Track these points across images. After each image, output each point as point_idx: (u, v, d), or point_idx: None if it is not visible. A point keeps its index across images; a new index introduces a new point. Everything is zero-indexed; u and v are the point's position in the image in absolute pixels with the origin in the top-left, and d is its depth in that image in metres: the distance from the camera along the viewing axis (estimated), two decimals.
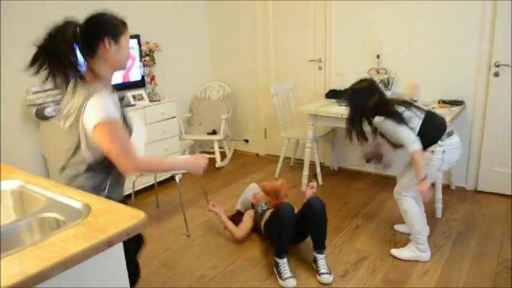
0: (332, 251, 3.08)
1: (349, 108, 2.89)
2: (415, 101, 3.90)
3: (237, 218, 3.42)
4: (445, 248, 3.04)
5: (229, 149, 5.19)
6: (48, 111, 3.53)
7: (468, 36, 3.72)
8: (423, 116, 2.74)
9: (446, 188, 3.92)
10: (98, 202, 1.49)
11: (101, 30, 1.70)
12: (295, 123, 4.63)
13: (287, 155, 4.61)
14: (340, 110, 3.78)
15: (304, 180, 4.13)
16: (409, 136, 2.66)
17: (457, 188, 4.05)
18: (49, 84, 3.15)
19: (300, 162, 4.70)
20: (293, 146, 4.69)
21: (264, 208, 3.25)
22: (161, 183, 4.23)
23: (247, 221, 3.30)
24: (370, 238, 3.23)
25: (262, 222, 3.14)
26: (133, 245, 2.04)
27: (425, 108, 2.87)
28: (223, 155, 5.01)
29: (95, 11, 1.76)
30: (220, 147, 4.94)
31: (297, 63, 4.72)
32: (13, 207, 1.79)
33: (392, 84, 4.07)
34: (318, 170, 4.29)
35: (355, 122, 2.84)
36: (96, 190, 1.80)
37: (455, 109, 3.60)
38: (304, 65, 4.66)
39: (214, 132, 4.76)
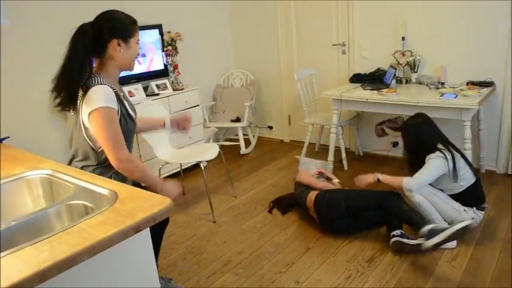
0: (358, 236, 3.05)
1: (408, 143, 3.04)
2: (443, 83, 3.81)
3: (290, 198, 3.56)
4: (475, 232, 2.96)
5: (253, 136, 5.19)
6: None
7: (497, 10, 3.57)
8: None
9: (476, 171, 3.82)
10: (124, 189, 1.51)
11: (110, 31, 1.79)
12: (319, 109, 4.59)
13: (312, 141, 4.58)
14: (365, 94, 3.74)
15: (330, 165, 4.10)
16: (425, 178, 2.80)
17: (487, 172, 3.95)
18: None
19: (325, 148, 4.65)
20: (318, 132, 4.66)
21: None
22: (186, 171, 4.27)
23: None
24: None
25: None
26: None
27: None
28: (247, 142, 5.02)
29: (106, 10, 1.84)
30: (244, 135, 4.95)
31: (320, 47, 4.66)
32: (43, 196, 1.84)
33: (418, 66, 3.97)
34: (344, 155, 4.25)
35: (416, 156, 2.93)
36: None
37: (485, 90, 3.49)
38: (328, 49, 4.60)
39: (238, 120, 4.76)
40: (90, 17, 1.89)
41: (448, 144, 2.88)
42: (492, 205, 3.32)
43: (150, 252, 1.40)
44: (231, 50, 5.38)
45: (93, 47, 1.80)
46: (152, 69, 4.19)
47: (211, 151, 3.49)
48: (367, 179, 2.99)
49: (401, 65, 4.04)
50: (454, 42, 3.85)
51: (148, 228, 1.34)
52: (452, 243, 2.80)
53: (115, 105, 1.79)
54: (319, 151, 4.78)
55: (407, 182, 2.80)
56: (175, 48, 4.31)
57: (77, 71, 1.75)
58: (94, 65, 1.87)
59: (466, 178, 2.84)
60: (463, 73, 3.83)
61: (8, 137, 3.16)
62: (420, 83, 3.97)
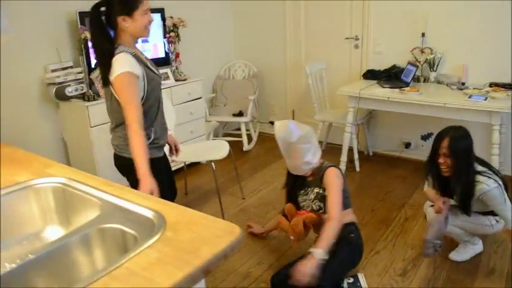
0: (385, 246, 2.83)
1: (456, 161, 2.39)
2: (463, 83, 3.61)
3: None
4: (503, 242, 2.78)
5: (254, 131, 4.90)
6: (69, 90, 3.24)
7: None
8: None
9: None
10: (170, 209, 1.21)
11: (114, 9, 1.90)
12: (328, 106, 4.33)
13: (318, 139, 4.32)
14: (386, 93, 3.51)
15: (342, 166, 3.86)
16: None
17: (505, 177, 3.77)
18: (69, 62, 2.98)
19: (331, 147, 4.44)
20: (325, 130, 4.40)
21: None
22: (188, 167, 3.96)
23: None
24: (423, 232, 2.96)
25: None
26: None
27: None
28: (249, 138, 4.73)
29: None
30: (245, 130, 4.66)
31: (331, 41, 4.39)
32: (55, 209, 1.52)
33: (438, 65, 3.76)
34: (356, 155, 4.01)
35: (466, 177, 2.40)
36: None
37: None
38: (339, 43, 4.33)
39: (240, 114, 4.45)
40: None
41: (482, 161, 2.49)
42: None
43: None
44: (232, 39, 5.05)
45: (108, 24, 1.93)
46: (154, 56, 3.82)
47: (222, 149, 3.20)
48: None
49: (419, 62, 3.81)
50: (477, 41, 3.64)
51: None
52: (479, 247, 2.67)
53: (134, 69, 1.88)
54: (326, 149, 4.53)
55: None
56: (177, 35, 3.97)
57: (105, 50, 1.91)
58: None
59: None
60: (485, 74, 3.62)
61: None
62: (439, 82, 3.76)
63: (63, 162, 3.36)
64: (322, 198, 2.42)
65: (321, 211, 2.43)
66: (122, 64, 1.87)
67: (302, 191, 2.57)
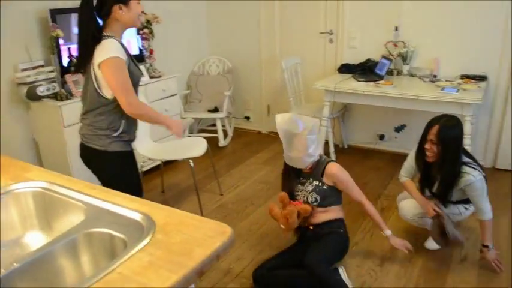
0: (363, 237, 2.89)
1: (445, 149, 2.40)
2: (435, 76, 3.71)
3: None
4: (475, 230, 2.88)
5: (230, 126, 4.89)
6: (41, 90, 3.15)
7: (493, 4, 3.48)
8: None
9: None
10: (159, 210, 1.20)
11: None
12: (304, 100, 4.36)
13: None
14: (361, 86, 3.56)
15: None
16: (488, 204, 2.43)
17: None
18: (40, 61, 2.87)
19: None
20: None
21: None
22: (165, 164, 3.92)
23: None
24: (399, 221, 3.04)
25: None
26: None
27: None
28: (224, 134, 4.71)
29: None
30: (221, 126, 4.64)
31: (305, 35, 4.41)
32: (36, 215, 1.48)
33: (411, 58, 3.83)
34: (332, 149, 4.06)
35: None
36: (110, 129, 2.02)
37: (483, 85, 3.41)
38: (314, 37, 4.36)
39: (216, 110, 4.43)
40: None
41: (467, 153, 2.56)
42: None
43: None
44: (206, 34, 5.01)
45: (98, 13, 1.94)
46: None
47: (199, 147, 3.18)
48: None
49: (393, 56, 3.88)
50: (448, 34, 3.74)
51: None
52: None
53: (123, 56, 1.91)
54: None
55: (490, 216, 2.44)
56: (151, 32, 3.91)
57: (91, 37, 1.91)
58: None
59: None
60: (456, 66, 3.73)
61: None
62: (412, 75, 3.85)
63: (34, 163, 3.27)
64: (320, 191, 2.45)
65: (315, 203, 2.46)
66: (113, 48, 1.89)
67: (298, 181, 2.57)
